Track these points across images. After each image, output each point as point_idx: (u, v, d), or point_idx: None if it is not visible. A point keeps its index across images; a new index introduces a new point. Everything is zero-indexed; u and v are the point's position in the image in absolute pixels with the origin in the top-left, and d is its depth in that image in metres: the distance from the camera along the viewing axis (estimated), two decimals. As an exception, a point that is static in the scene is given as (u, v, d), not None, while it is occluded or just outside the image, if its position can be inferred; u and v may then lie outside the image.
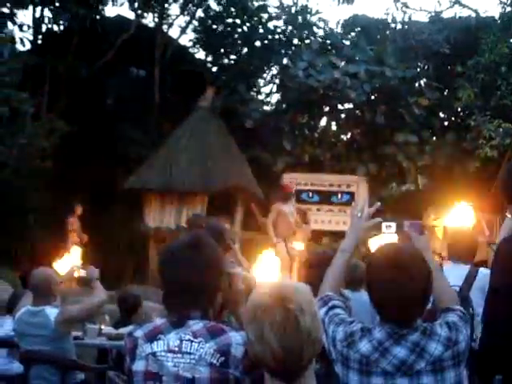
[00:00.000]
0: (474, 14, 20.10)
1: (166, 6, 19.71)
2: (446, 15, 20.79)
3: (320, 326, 2.35)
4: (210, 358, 2.72)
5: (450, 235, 6.74)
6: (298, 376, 2.30)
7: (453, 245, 6.31)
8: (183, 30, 20.40)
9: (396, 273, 2.83)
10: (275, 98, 20.04)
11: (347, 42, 19.50)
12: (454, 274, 5.58)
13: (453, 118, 19.00)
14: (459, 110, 18.13)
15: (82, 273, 6.39)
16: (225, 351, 2.71)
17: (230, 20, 19.14)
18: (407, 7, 21.68)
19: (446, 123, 19.13)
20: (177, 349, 2.77)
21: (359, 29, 20.30)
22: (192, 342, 2.75)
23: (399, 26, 20.48)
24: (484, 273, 5.68)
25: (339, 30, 20.63)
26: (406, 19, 20.68)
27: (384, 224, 3.43)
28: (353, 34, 20.32)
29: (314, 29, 19.58)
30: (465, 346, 2.95)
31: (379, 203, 3.64)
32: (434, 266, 3.17)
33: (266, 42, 19.09)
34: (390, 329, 2.89)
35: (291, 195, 13.57)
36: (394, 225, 3.43)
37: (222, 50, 19.49)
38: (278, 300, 2.27)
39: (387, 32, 20.24)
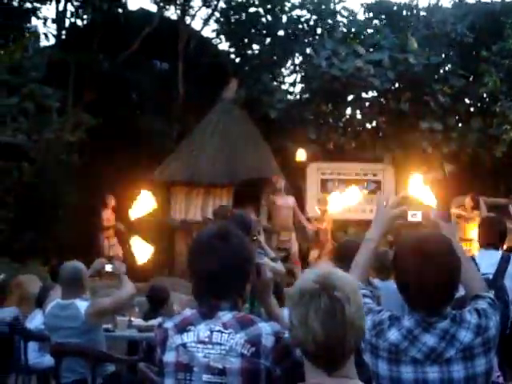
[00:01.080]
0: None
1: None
2: (470, 0, 20.62)
3: (364, 316, 2.36)
4: (240, 348, 2.73)
5: (480, 222, 6.72)
6: (339, 365, 2.31)
7: (483, 231, 6.28)
8: (206, 22, 20.41)
9: (423, 260, 2.82)
10: (298, 87, 19.99)
11: (370, 30, 19.39)
12: (485, 260, 5.58)
13: (478, 104, 18.85)
14: (484, 95, 17.98)
15: (109, 268, 6.41)
16: (255, 341, 2.72)
17: (252, 9, 19.11)
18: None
19: (471, 109, 18.98)
20: (207, 339, 2.79)
21: (383, 16, 20.16)
22: (222, 332, 2.77)
23: (423, 13, 20.32)
24: None
25: (362, 13, 20.53)
26: (432, 4, 20.56)
27: (410, 213, 3.42)
28: (376, 21, 20.18)
29: (338, 17, 19.49)
30: (495, 332, 2.94)
31: (405, 192, 3.63)
32: (462, 253, 3.16)
33: (289, 31, 19.04)
34: (419, 317, 2.88)
35: (280, 188, 13.81)
36: (419, 213, 3.42)
37: (246, 40, 19.46)
38: (324, 287, 2.29)
39: (411, 19, 20.09)
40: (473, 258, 5.55)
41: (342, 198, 11.88)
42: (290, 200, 14.12)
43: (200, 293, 2.93)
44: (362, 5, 20.56)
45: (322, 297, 2.27)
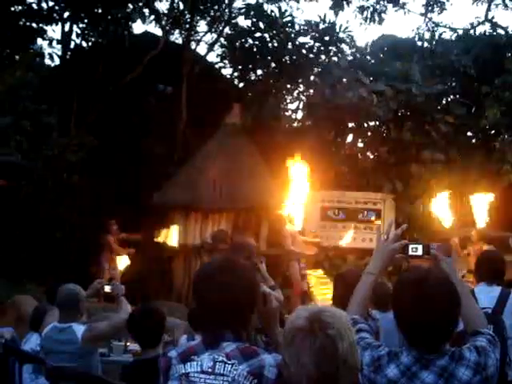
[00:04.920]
0: (503, 32, 20.04)
1: (194, 23, 19.85)
2: (476, 33, 20.80)
3: (357, 354, 2.35)
4: (243, 380, 2.72)
5: (478, 256, 6.65)
6: None
7: (482, 266, 6.21)
8: (211, 47, 20.50)
9: (423, 299, 2.81)
10: (301, 114, 20.01)
11: (373, 60, 19.50)
12: (484, 295, 5.52)
13: (480, 136, 18.87)
14: (486, 127, 18.01)
15: (108, 289, 6.37)
16: (258, 373, 2.71)
17: (258, 34, 19.16)
18: (438, 26, 21.77)
19: (473, 141, 18.99)
20: (210, 370, 2.78)
21: (386, 49, 20.28)
22: (225, 363, 2.76)
23: (426, 44, 20.46)
24: None
25: (366, 44, 20.66)
26: (436, 37, 20.72)
27: (410, 246, 3.40)
28: (380, 53, 20.29)
29: (342, 45, 19.57)
30: (494, 370, 2.92)
31: (405, 225, 3.61)
32: (463, 288, 3.14)
33: (294, 57, 19.08)
34: (418, 353, 2.86)
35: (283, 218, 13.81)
36: (420, 247, 3.41)
37: (250, 66, 19.51)
38: (317, 325, 2.28)
39: (415, 49, 20.21)
40: (472, 293, 5.52)
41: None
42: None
43: (204, 322, 2.93)
44: (366, 44, 20.69)
45: (315, 334, 2.26)
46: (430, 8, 22.19)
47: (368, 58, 19.59)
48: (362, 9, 21.09)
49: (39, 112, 14.99)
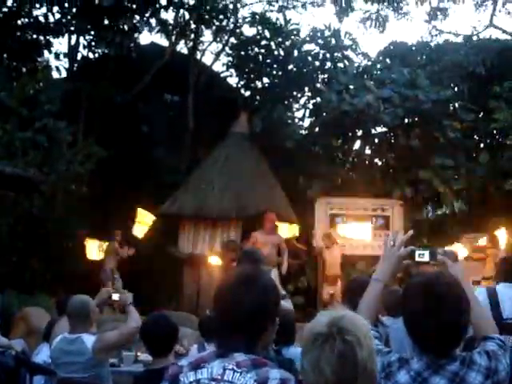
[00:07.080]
0: (509, 37, 20.05)
1: (199, 33, 19.92)
2: (482, 38, 20.83)
3: (376, 361, 2.34)
4: None
5: (503, 257, 6.48)
6: None
7: (503, 265, 6.03)
8: (216, 57, 20.56)
9: (433, 303, 2.80)
10: (307, 121, 20.02)
11: (379, 65, 19.49)
12: (508, 298, 5.39)
13: (487, 140, 18.82)
14: (495, 131, 17.95)
15: (115, 297, 6.36)
16: (263, 383, 2.72)
17: (263, 42, 19.18)
18: (442, 32, 21.83)
19: (481, 145, 18.94)
20: (219, 377, 2.79)
21: (393, 56, 20.29)
22: (234, 371, 2.77)
23: (433, 48, 20.48)
24: None
25: (375, 57, 20.64)
26: (441, 41, 20.77)
27: (417, 252, 3.40)
28: (388, 60, 20.28)
29: (348, 52, 19.55)
30: (504, 375, 2.91)
31: (412, 231, 3.60)
32: (471, 293, 3.14)
33: (300, 64, 19.08)
34: (429, 359, 2.85)
35: (270, 227, 13.81)
36: (426, 253, 3.40)
37: (256, 74, 19.52)
38: (337, 331, 2.28)
39: (422, 55, 20.22)
40: (494, 293, 5.42)
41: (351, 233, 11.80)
42: (276, 238, 14.06)
43: (219, 333, 2.94)
44: (378, 53, 20.71)
45: (335, 341, 2.26)
46: (432, 14, 22.28)
47: (375, 64, 19.56)
48: (364, 19, 21.17)
49: (58, 129, 15.03)
